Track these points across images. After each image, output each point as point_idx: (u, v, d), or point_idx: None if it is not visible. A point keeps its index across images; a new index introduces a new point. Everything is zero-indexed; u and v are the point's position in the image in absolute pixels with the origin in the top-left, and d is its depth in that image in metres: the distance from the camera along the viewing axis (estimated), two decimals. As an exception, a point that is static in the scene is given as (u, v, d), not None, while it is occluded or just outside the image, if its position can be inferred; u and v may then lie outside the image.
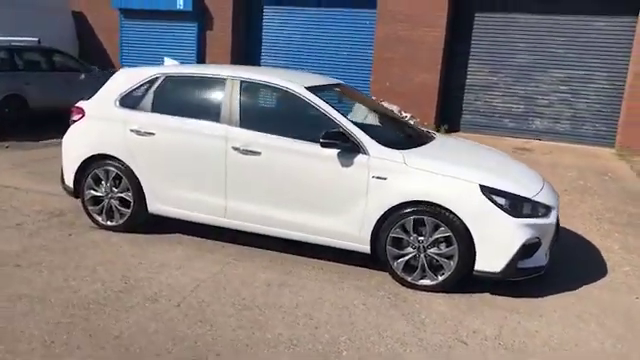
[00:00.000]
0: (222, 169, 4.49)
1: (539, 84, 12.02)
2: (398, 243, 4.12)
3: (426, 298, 3.97)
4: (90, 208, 5.00)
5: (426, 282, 4.09)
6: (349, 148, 4.17)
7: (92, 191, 4.95)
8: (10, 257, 4.24)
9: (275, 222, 4.44)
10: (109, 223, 4.94)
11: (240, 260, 4.45)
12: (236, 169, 4.46)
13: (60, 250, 4.44)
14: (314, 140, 4.29)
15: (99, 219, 4.97)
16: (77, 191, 5.03)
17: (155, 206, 4.79)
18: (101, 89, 5.05)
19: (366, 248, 4.25)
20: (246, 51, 14.10)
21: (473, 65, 12.44)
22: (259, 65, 13.79)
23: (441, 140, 5.00)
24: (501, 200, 3.94)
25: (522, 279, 4.07)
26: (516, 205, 3.96)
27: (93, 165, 4.90)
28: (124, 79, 5.03)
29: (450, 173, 4.06)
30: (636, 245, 5.39)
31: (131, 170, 4.77)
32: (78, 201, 5.07)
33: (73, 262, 4.21)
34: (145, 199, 4.79)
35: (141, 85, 4.90)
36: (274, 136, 4.39)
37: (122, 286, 3.85)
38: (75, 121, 5.06)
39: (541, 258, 4.13)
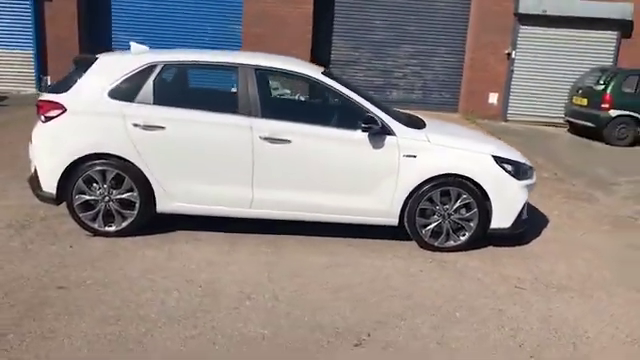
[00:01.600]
0: (249, 160, 4.41)
1: (394, 59, 13.32)
2: (424, 213, 4.60)
3: (455, 258, 4.54)
4: (82, 215, 4.45)
5: (451, 243, 4.66)
6: (380, 131, 4.47)
7: (83, 195, 4.41)
8: (38, 281, 3.66)
9: (306, 207, 4.55)
10: (108, 229, 4.48)
11: (272, 248, 4.46)
12: (264, 158, 4.42)
13: (82, 265, 3.93)
14: (342, 125, 4.51)
15: (94, 225, 4.46)
16: (61, 197, 4.43)
17: (166, 204, 4.49)
18: (81, 80, 4.44)
19: (394, 221, 4.64)
20: (91, 24, 12.74)
21: (337, 42, 13.21)
22: (110, 41, 12.66)
23: (429, 120, 5.52)
24: (508, 167, 4.67)
25: (521, 231, 4.89)
26: (518, 170, 4.73)
27: (83, 166, 4.35)
28: (110, 68, 4.51)
29: (467, 147, 4.66)
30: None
31: (137, 168, 4.37)
32: (39, 207, 4.52)
33: (115, 276, 3.79)
34: (154, 198, 4.46)
35: (134, 74, 4.44)
36: (304, 124, 4.46)
37: (199, 290, 3.65)
38: (51, 117, 4.39)
39: (525, 212, 5.00)
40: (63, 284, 3.62)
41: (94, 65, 4.48)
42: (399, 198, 4.54)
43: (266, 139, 4.39)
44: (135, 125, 4.33)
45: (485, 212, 4.60)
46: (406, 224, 4.62)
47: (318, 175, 4.51)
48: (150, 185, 4.41)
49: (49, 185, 4.40)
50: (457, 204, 4.58)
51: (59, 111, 4.35)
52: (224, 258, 4.23)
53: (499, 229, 4.69)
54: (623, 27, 12.49)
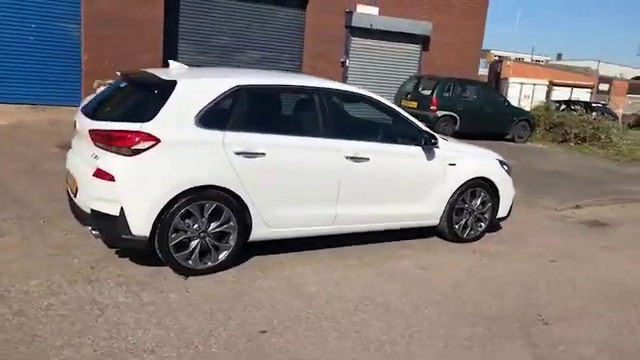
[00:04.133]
0: (335, 179, 4.61)
1: (240, 64, 13.54)
2: (459, 212, 5.46)
3: (480, 246, 5.52)
4: (177, 255, 4.05)
5: (472, 234, 5.62)
6: (431, 145, 5.14)
7: (179, 233, 4.03)
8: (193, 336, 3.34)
9: (377, 218, 4.97)
10: (203, 266, 4.15)
11: (356, 260, 4.76)
12: (348, 177, 4.66)
13: (223, 310, 3.66)
14: (403, 142, 5.06)
15: (188, 264, 4.09)
16: (153, 239, 3.96)
17: (261, 232, 4.38)
18: (166, 106, 3.97)
19: (436, 222, 5.39)
20: None
21: (183, 45, 12.81)
22: None
23: None
24: (505, 167, 5.84)
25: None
26: (509, 169, 5.94)
27: (180, 201, 3.97)
28: (196, 93, 4.13)
29: (483, 154, 5.68)
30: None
31: (237, 197, 4.18)
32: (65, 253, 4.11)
33: (286, 315, 3.67)
34: (250, 226, 4.32)
35: (220, 100, 4.18)
36: (377, 143, 4.86)
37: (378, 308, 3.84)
38: (140, 150, 3.86)
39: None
40: (265, 328, 3.42)
41: (177, 90, 4.05)
42: (444, 201, 5.30)
43: (350, 159, 4.66)
44: (237, 153, 4.13)
45: (496, 206, 5.69)
46: (445, 222, 5.41)
47: (388, 188, 4.97)
48: (249, 214, 4.26)
49: (141, 227, 3.88)
50: (479, 201, 5.56)
51: (151, 142, 3.87)
52: (327, 276, 4.34)
53: (501, 218, 5.84)
54: (424, 41, 15.15)
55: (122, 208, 3.85)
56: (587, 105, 21.31)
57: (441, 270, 4.74)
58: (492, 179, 5.56)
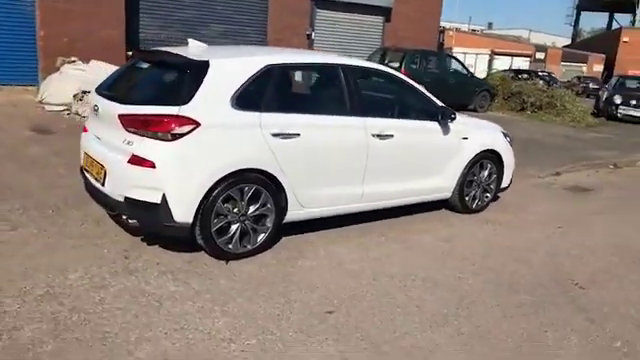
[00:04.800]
0: (363, 157, 4.63)
1: (205, 38, 13.05)
2: (469, 184, 5.62)
3: (488, 216, 5.73)
4: (219, 240, 3.98)
5: (479, 204, 5.79)
6: (448, 119, 5.23)
7: (220, 218, 3.95)
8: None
9: (399, 193, 5.04)
10: (243, 250, 4.10)
11: (383, 237, 4.84)
12: (374, 154, 4.68)
13: (279, 293, 3.64)
14: (421, 117, 5.13)
15: (229, 248, 4.03)
16: (194, 225, 3.86)
17: (296, 213, 4.35)
18: (201, 88, 3.82)
19: (449, 195, 5.52)
20: None
21: (145, 19, 12.25)
22: None
23: None
24: (508, 139, 6.03)
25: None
26: (511, 140, 6.14)
27: (221, 186, 3.88)
28: (229, 74, 3.99)
29: (489, 127, 5.83)
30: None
31: (275, 179, 4.13)
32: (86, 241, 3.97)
33: (343, 294, 3.70)
34: (286, 208, 4.29)
35: (253, 80, 4.05)
36: (399, 119, 4.90)
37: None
38: (181, 135, 3.72)
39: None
40: (329, 308, 3.43)
41: (211, 71, 3.90)
42: (457, 174, 5.44)
43: (376, 136, 4.68)
44: (274, 135, 4.06)
45: (501, 177, 5.89)
46: (457, 195, 5.55)
47: (409, 163, 5.04)
48: (284, 195, 4.22)
49: (184, 213, 3.77)
50: (486, 172, 5.74)
51: (191, 126, 3.73)
52: (380, 250, 4.45)
53: (505, 188, 6.06)
54: (386, 13, 15.18)
55: (164, 195, 3.71)
56: (534, 74, 22.13)
57: (463, 241, 4.89)
58: (498, 151, 5.74)
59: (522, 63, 37.90)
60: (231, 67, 4.08)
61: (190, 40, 4.55)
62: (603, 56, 42.20)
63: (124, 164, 3.78)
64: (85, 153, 4.38)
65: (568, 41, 59.25)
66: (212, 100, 3.86)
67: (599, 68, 41.83)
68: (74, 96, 8.89)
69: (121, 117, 3.83)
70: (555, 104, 15.08)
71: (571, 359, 3.09)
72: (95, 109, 4.16)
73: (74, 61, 9.70)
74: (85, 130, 4.57)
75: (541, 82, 19.32)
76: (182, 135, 3.70)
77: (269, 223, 4.19)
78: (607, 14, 57.88)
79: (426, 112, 5.14)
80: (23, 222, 4.49)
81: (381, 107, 4.89)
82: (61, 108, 9.07)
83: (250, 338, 3.04)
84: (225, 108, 3.89)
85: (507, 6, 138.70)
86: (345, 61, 4.72)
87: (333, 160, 4.46)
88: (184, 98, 3.76)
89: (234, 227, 4.02)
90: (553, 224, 5.60)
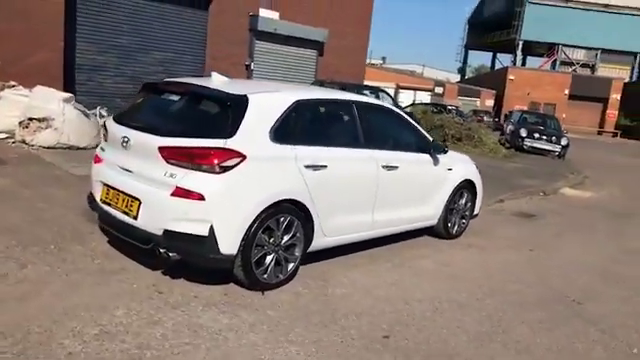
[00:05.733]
0: (374, 187, 4.90)
1: (143, 65, 12.85)
2: (451, 211, 6.08)
3: (467, 241, 6.21)
4: (257, 271, 4.04)
5: (458, 230, 6.26)
6: (437, 152, 5.68)
7: (259, 249, 4.03)
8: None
9: (401, 221, 5.37)
10: (276, 280, 4.18)
11: (380, 266, 5.08)
12: (383, 184, 4.97)
13: (331, 320, 3.79)
14: (417, 150, 5.52)
15: (264, 279, 4.10)
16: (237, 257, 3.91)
17: (319, 241, 4.50)
18: (244, 122, 3.91)
19: (435, 222, 5.94)
20: None
21: (81, 44, 11.77)
22: None
23: None
24: (478, 169, 6.60)
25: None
26: (479, 171, 6.71)
27: (262, 217, 3.97)
28: (266, 108, 4.11)
29: (465, 160, 6.36)
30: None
31: (306, 209, 4.29)
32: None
33: (388, 317, 3.89)
34: (312, 237, 4.44)
35: (287, 115, 4.21)
36: (401, 152, 5.25)
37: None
38: (229, 167, 3.78)
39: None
40: (384, 333, 3.62)
41: (251, 105, 4.02)
42: (443, 202, 5.88)
43: (385, 167, 5.00)
44: (307, 167, 4.23)
45: (474, 204, 6.44)
46: (442, 222, 5.98)
47: (409, 192, 5.40)
48: (312, 225, 4.38)
49: (230, 245, 3.82)
50: (464, 200, 6.25)
51: (239, 159, 3.81)
52: (394, 276, 4.71)
53: (475, 215, 6.61)
54: (320, 47, 15.75)
55: (212, 227, 3.74)
56: (444, 107, 23.80)
57: (460, 265, 5.30)
58: (474, 181, 6.28)
59: (425, 97, 40.42)
60: (267, 102, 4.21)
61: (213, 73, 4.60)
62: (494, 92, 46.17)
63: (166, 197, 3.75)
64: (105, 185, 4.26)
65: (457, 76, 64.40)
66: (254, 134, 3.96)
67: (490, 102, 45.63)
68: (20, 123, 8.35)
69: (162, 149, 3.81)
70: (473, 136, 16.36)
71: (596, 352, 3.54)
72: (125, 140, 4.08)
73: (14, 86, 9.10)
74: (99, 161, 4.45)
75: (450, 115, 20.85)
76: (230, 168, 3.77)
77: (297, 252, 4.32)
78: (491, 54, 63.64)
79: (420, 145, 5.55)
80: (30, 259, 4.24)
81: (386, 140, 5.21)
82: (3, 136, 8.47)
83: (332, 365, 3.16)
84: (265, 141, 4.01)
85: (400, 42, 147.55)
86: (357, 98, 5.02)
87: (352, 190, 4.70)
88: (228, 131, 3.84)
89: (269, 257, 4.10)
90: (524, 247, 6.20)
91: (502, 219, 7.73)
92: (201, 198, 3.69)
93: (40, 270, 4.06)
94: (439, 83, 47.75)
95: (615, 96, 45.71)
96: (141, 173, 3.97)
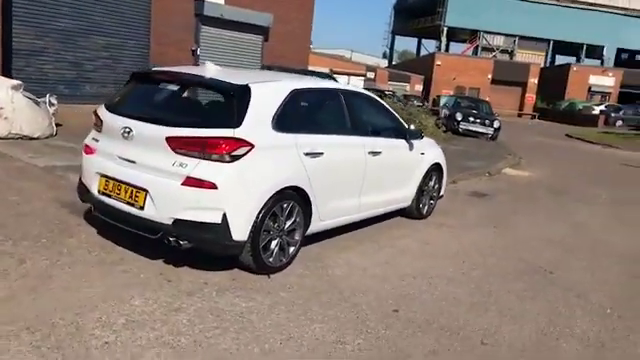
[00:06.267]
0: (362, 172, 5.13)
1: (85, 50, 12.33)
2: (422, 193, 6.44)
3: (436, 221, 6.61)
4: (264, 256, 4.18)
5: (428, 211, 6.63)
6: (419, 138, 6.00)
7: (265, 235, 4.17)
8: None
9: (382, 203, 5.65)
10: (280, 263, 4.33)
11: (367, 247, 5.34)
12: (369, 169, 5.20)
13: (341, 299, 3.99)
14: (396, 136, 5.80)
15: (269, 262, 4.23)
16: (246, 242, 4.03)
17: (315, 226, 4.68)
18: (249, 112, 4.00)
19: (409, 203, 6.27)
20: None
21: (18, 28, 11.13)
22: None
23: None
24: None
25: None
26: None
27: (269, 204, 4.10)
28: (267, 98, 4.20)
29: (433, 144, 6.72)
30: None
31: (306, 195, 4.45)
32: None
33: (392, 294, 4.15)
34: (310, 222, 4.62)
35: (285, 103, 4.32)
36: (384, 138, 5.51)
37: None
38: (239, 156, 3.87)
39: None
40: (393, 307, 3.87)
41: (254, 95, 4.11)
42: (417, 184, 6.22)
43: (371, 153, 5.24)
44: (306, 154, 4.39)
45: (440, 185, 6.83)
46: (414, 203, 6.33)
47: (390, 176, 5.68)
48: (311, 210, 4.56)
49: (242, 232, 3.93)
50: (433, 182, 6.63)
51: (247, 148, 3.91)
52: (382, 256, 4.98)
53: (441, 196, 7.02)
54: (265, 32, 15.70)
55: (224, 215, 3.83)
56: (383, 92, 24.38)
57: (438, 243, 5.67)
58: (441, 163, 6.67)
59: (358, 82, 41.12)
60: (267, 91, 4.31)
61: (207, 62, 4.63)
62: (422, 77, 47.66)
63: (176, 186, 3.80)
64: (103, 176, 4.22)
65: (383, 61, 65.82)
66: (259, 123, 4.07)
67: (420, 87, 47.10)
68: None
69: (170, 140, 3.85)
70: (414, 120, 16.97)
71: (588, 324, 3.98)
72: (126, 131, 4.05)
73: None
74: (91, 152, 4.40)
75: (398, 101, 21.45)
76: (240, 157, 3.87)
77: (297, 237, 4.49)
78: (416, 39, 65.48)
79: (398, 131, 5.84)
80: (25, 254, 4.14)
81: (370, 127, 5.44)
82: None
83: (356, 339, 3.38)
84: (269, 130, 4.13)
85: (327, 26, 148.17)
86: (342, 87, 5.22)
87: (343, 175, 4.92)
88: (235, 121, 3.93)
89: (274, 242, 4.25)
90: (488, 225, 6.67)
91: (460, 199, 8.20)
92: (214, 187, 3.77)
93: (40, 264, 4.00)
94: (370, 68, 48.62)
95: (533, 80, 48.43)
96: (146, 163, 3.97)
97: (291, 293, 3.97)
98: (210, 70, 4.58)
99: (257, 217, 3.99)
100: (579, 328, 3.90)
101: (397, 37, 67.96)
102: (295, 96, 4.46)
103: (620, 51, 55.32)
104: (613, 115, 37.51)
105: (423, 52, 63.03)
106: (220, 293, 3.83)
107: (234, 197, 3.87)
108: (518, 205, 8.23)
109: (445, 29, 53.31)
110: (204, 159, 3.80)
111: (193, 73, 4.47)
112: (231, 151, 3.83)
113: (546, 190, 9.79)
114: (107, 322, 3.26)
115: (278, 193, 4.13)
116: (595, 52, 54.66)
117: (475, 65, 48.15)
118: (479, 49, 54.80)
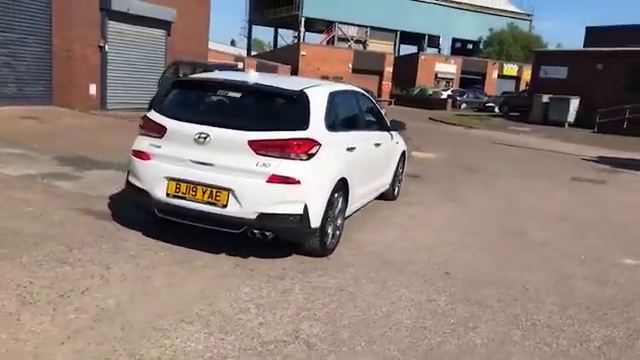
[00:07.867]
0: (372, 162, 5.92)
1: (-17, 47, 11.29)
2: (395, 176, 7.36)
3: (406, 200, 7.59)
4: (325, 239, 4.79)
5: (398, 192, 7.60)
6: (399, 130, 6.89)
7: (328, 221, 4.77)
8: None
9: (376, 188, 6.44)
10: (332, 246, 4.95)
11: (371, 225, 6.20)
12: (375, 159, 6.02)
13: (388, 279, 4.75)
14: (382, 129, 6.64)
15: (329, 245, 4.84)
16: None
17: (348, 210, 5.39)
18: (312, 114, 4.56)
19: (387, 188, 7.16)
20: None
21: None
22: None
23: None
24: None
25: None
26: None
27: (331, 194, 4.69)
28: (318, 102, 4.76)
29: (399, 134, 7.66)
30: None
31: (347, 185, 5.11)
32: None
33: (420, 272, 4.99)
34: (346, 208, 5.29)
35: (328, 106, 4.90)
36: (380, 132, 6.33)
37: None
38: (314, 154, 4.42)
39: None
40: (443, 270, 4.73)
41: (311, 100, 4.67)
42: (392, 171, 7.13)
43: (376, 145, 6.04)
44: (347, 149, 5.07)
45: (404, 169, 7.84)
46: (390, 187, 7.23)
47: (383, 165, 6.53)
48: (348, 198, 5.24)
49: (317, 220, 4.50)
50: (401, 167, 7.59)
51: (318, 147, 4.48)
52: (390, 234, 5.81)
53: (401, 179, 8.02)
54: (168, 27, 15.44)
55: (305, 206, 4.38)
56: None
57: (425, 218, 6.67)
58: (405, 151, 7.66)
59: (229, 72, 41.17)
60: (317, 95, 4.87)
61: (251, 71, 5.02)
62: (289, 66, 48.96)
63: (262, 184, 4.26)
64: (174, 180, 4.47)
65: (242, 51, 66.12)
66: (318, 124, 4.66)
67: (287, 76, 48.38)
68: None
69: (252, 143, 4.28)
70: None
71: (565, 261, 5.26)
72: (202, 137, 4.36)
73: None
74: (148, 157, 4.60)
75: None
76: (313, 155, 4.43)
77: (340, 221, 5.14)
78: (273, 29, 66.65)
79: (383, 124, 6.68)
80: (102, 260, 4.28)
81: (372, 122, 6.21)
82: None
83: (439, 297, 4.17)
84: (325, 130, 4.73)
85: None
86: (354, 88, 5.93)
87: (364, 166, 5.65)
88: (303, 124, 4.49)
89: (330, 228, 4.86)
90: (444, 200, 7.82)
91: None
92: (297, 182, 4.30)
93: (125, 268, 4.17)
94: (238, 58, 48.70)
95: (388, 69, 52.17)
96: (227, 165, 4.34)
97: (356, 269, 4.62)
98: (254, 76, 5.00)
99: (325, 206, 4.57)
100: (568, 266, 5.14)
101: (256, 27, 68.44)
102: (332, 98, 5.08)
103: (455, 40, 62.16)
104: (459, 99, 42.09)
105: (280, 42, 64.36)
106: (304, 274, 4.37)
107: (312, 190, 4.42)
108: (450, 182, 9.47)
109: (303, 19, 55.06)
110: (284, 158, 4.30)
111: (249, 80, 4.85)
112: (307, 150, 4.37)
113: (460, 168, 11.27)
114: (242, 308, 3.66)
115: (337, 184, 4.74)
116: (434, 42, 60.63)
117: (337, 55, 50.59)
118: (335, 39, 57.49)
